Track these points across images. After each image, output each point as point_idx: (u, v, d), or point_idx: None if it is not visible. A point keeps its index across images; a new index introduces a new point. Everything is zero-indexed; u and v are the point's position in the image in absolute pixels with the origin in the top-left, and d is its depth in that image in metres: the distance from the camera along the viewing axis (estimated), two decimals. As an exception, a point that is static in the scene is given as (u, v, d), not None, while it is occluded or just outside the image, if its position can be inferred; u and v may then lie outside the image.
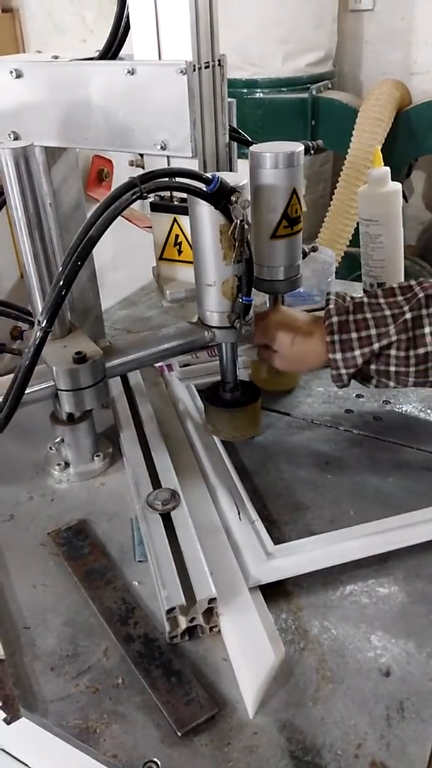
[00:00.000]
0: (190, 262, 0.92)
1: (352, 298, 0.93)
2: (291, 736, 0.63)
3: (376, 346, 0.87)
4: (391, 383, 0.91)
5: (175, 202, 0.96)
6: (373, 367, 0.89)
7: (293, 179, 0.95)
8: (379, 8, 2.92)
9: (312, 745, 0.62)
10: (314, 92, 2.56)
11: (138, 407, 1.02)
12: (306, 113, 2.56)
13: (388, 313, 0.88)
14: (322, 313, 0.92)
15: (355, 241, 2.58)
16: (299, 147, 0.95)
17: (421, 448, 0.99)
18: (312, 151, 1.01)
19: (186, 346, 0.92)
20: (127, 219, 1.25)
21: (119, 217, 0.75)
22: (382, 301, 0.89)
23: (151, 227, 1.23)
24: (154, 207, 0.98)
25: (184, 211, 0.89)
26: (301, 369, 1.07)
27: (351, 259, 2.72)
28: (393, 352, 0.87)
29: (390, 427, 1.04)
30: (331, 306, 0.91)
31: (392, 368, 0.88)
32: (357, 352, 0.88)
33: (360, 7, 2.91)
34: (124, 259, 1.43)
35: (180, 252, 0.99)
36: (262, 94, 2.62)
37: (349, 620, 0.73)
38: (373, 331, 0.87)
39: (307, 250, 1.08)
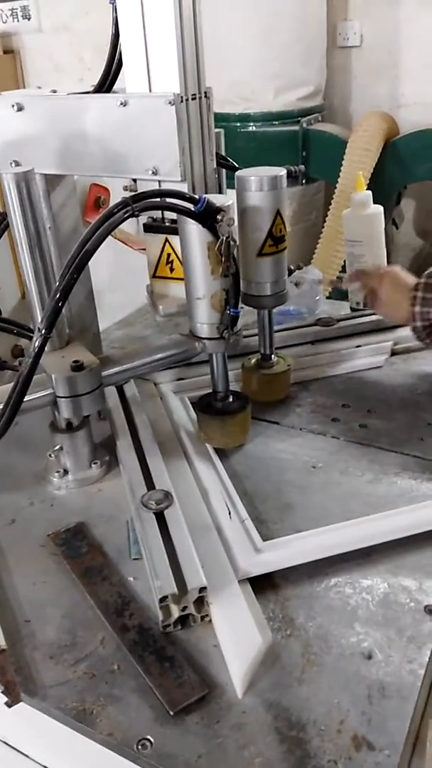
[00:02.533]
0: (182, 279, 0.98)
1: None
2: (277, 714, 0.66)
3: None
4: None
5: (167, 224, 1.02)
6: None
7: (277, 201, 1.01)
8: (366, 44, 3.05)
9: (297, 721, 0.65)
10: (305, 125, 2.66)
11: (134, 417, 1.07)
12: (297, 145, 2.66)
13: None
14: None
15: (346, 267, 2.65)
16: (282, 171, 1.02)
17: (403, 452, 1.03)
18: (293, 175, 1.08)
19: (178, 356, 0.98)
20: (123, 242, 1.31)
21: (117, 242, 0.81)
22: None
23: (144, 249, 1.30)
24: (148, 228, 1.05)
25: (175, 231, 0.96)
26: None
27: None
28: None
29: (374, 434, 1.09)
30: (429, 271, 1.07)
31: None
32: None
33: (348, 43, 3.03)
34: (120, 281, 1.49)
35: (172, 270, 1.05)
36: (254, 127, 2.72)
37: (333, 609, 0.77)
38: None
39: (292, 268, 1.14)
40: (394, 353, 1.32)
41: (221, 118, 2.79)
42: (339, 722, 0.65)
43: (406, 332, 1.37)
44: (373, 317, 1.37)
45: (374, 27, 3.00)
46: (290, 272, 1.12)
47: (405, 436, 1.08)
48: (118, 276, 1.50)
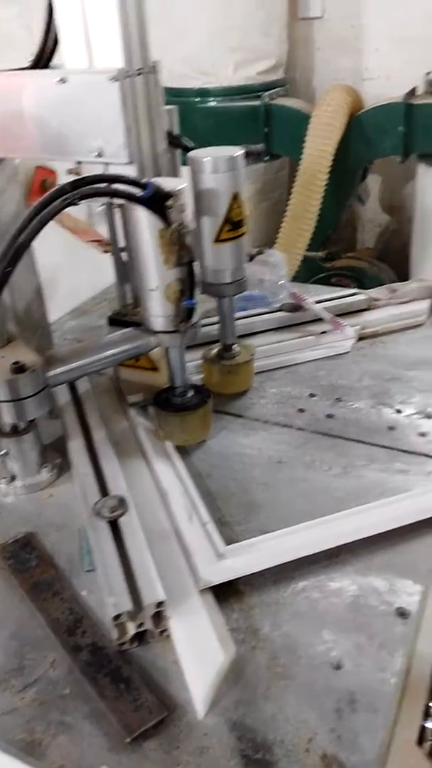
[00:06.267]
0: (150, 369, 1.00)
1: None
2: (242, 734, 0.62)
3: None
4: None
5: (133, 318, 0.97)
6: None
7: (234, 183, 0.96)
8: (328, 16, 2.97)
9: (263, 742, 0.61)
10: (266, 100, 2.58)
11: (87, 415, 1.01)
12: (259, 121, 2.58)
13: None
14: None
15: (312, 244, 2.61)
16: (238, 151, 0.96)
17: (371, 442, 0.99)
18: (253, 154, 1.02)
19: (131, 352, 0.92)
20: (71, 231, 1.24)
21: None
22: None
23: (98, 241, 1.23)
24: (112, 322, 0.99)
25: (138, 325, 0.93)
26: None
27: (310, 263, 2.75)
28: None
29: (341, 424, 1.05)
30: None
31: None
32: None
33: (309, 15, 2.95)
34: (76, 264, 1.43)
35: (137, 360, 1.03)
36: (214, 103, 2.63)
37: (300, 616, 0.73)
38: None
39: (253, 252, 1.09)
40: (361, 338, 1.28)
41: (179, 94, 2.69)
42: (307, 740, 0.61)
43: (373, 316, 1.34)
44: (338, 301, 1.33)
45: (336, -3, 2.93)
46: (251, 258, 1.07)
47: (373, 426, 1.04)
48: (73, 260, 1.43)
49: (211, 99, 2.62)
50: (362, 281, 2.77)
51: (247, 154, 0.96)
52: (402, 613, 0.72)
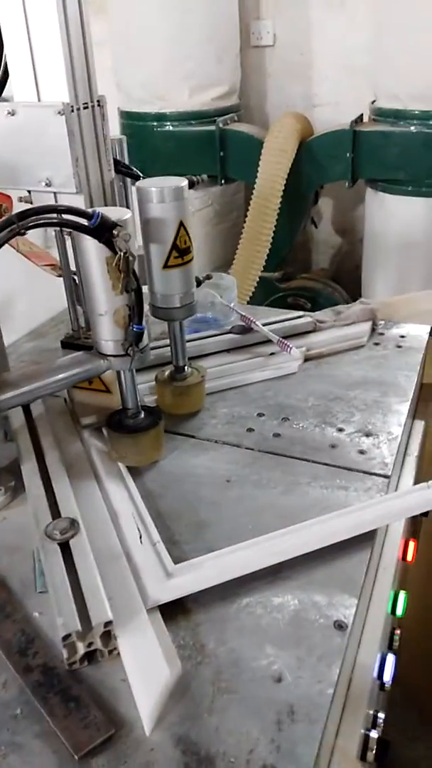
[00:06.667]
0: (102, 390, 1.03)
1: None
2: (186, 748, 0.64)
3: None
4: None
5: (85, 342, 1.00)
6: None
7: (179, 212, 0.99)
8: (279, 44, 3.07)
9: (206, 755, 0.64)
10: (221, 125, 2.65)
11: (41, 438, 1.03)
12: (214, 145, 2.65)
13: None
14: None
15: (268, 266, 2.67)
16: (183, 182, 1.00)
17: (315, 460, 1.03)
18: (196, 185, 1.06)
19: (83, 375, 0.94)
20: (26, 257, 1.26)
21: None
22: None
23: (52, 265, 1.26)
24: (65, 345, 1.02)
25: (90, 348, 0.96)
26: None
27: (267, 284, 2.82)
28: None
29: (288, 443, 1.08)
30: None
31: None
32: None
33: (261, 43, 3.05)
34: (30, 291, 1.44)
35: (90, 382, 1.04)
36: (171, 127, 2.69)
37: (244, 632, 0.76)
38: None
39: (200, 278, 1.12)
40: (307, 359, 1.33)
41: (139, 118, 2.74)
42: (248, 752, 0.64)
43: (318, 338, 1.39)
44: (285, 323, 1.38)
45: (287, 27, 3.03)
46: (199, 282, 1.11)
47: (317, 444, 1.08)
48: (30, 282, 1.45)
49: (168, 123, 2.67)
50: (317, 301, 2.84)
51: (191, 185, 1.00)
52: (340, 626, 0.76)
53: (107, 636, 0.72)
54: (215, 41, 2.68)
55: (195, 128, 2.68)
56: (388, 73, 2.49)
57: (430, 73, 2.34)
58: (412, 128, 2.41)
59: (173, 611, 0.78)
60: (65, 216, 0.81)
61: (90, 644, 0.71)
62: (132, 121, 2.68)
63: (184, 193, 0.98)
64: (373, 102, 2.59)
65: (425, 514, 1.15)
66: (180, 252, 1.01)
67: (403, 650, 1.08)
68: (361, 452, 1.06)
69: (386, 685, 1.00)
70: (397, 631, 1.10)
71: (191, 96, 2.68)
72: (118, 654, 0.73)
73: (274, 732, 0.65)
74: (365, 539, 0.87)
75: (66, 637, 0.70)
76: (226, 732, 0.65)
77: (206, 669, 0.72)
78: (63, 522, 0.84)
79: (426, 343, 1.42)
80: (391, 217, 2.57)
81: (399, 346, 1.39)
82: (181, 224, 0.99)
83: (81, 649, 0.71)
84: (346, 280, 3.08)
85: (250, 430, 1.13)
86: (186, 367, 1.15)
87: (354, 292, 2.89)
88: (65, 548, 0.81)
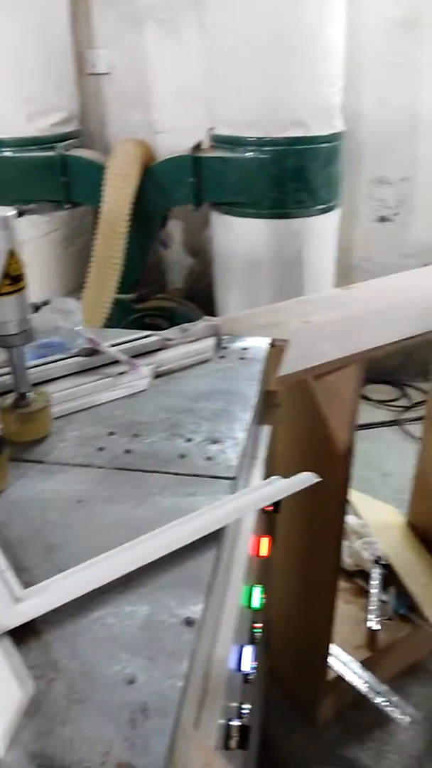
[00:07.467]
0: None
1: None
2: (42, 762, 0.65)
3: None
4: None
5: None
6: None
7: (8, 241, 1.01)
8: (116, 72, 3.15)
9: (61, 765, 0.65)
10: (62, 150, 2.67)
11: None
12: (56, 171, 2.66)
13: None
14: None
15: (123, 288, 2.72)
16: (11, 211, 1.02)
17: (165, 471, 1.08)
18: (26, 213, 1.08)
19: None
20: None
21: None
22: None
23: None
24: None
25: None
26: None
27: (122, 305, 2.86)
28: None
29: (139, 458, 1.12)
30: None
31: None
32: None
33: (97, 71, 3.11)
34: None
35: None
36: (11, 153, 2.67)
37: (97, 643, 0.78)
38: None
39: (38, 304, 1.14)
40: (157, 376, 1.38)
41: (-24, 144, 2.70)
42: (103, 754, 0.66)
43: (166, 355, 1.44)
44: (133, 343, 1.42)
45: (122, 55, 3.11)
46: (36, 308, 1.12)
47: (167, 456, 1.13)
48: None
49: (6, 149, 2.65)
50: (173, 320, 2.93)
51: (20, 214, 1.02)
52: (189, 622, 0.80)
53: None
54: (51, 68, 2.71)
55: (35, 154, 2.68)
56: (222, 101, 2.63)
57: (260, 101, 2.50)
58: (248, 154, 2.56)
59: (24, 634, 0.78)
60: None
61: None
62: (-31, 147, 2.64)
63: (11, 222, 1.00)
64: (211, 129, 2.72)
65: (276, 509, 1.23)
66: (12, 279, 1.02)
67: (277, 645, 1.15)
68: (209, 458, 1.12)
69: (249, 677, 1.06)
70: (257, 624, 1.16)
71: (30, 122, 2.68)
72: (-31, 685, 0.72)
73: (129, 731, 0.68)
74: (211, 539, 0.92)
75: None
76: (81, 740, 0.67)
77: (59, 684, 0.73)
78: None
79: (267, 353, 1.52)
80: (236, 238, 2.71)
81: (242, 358, 1.48)
82: (11, 252, 1.01)
83: None
84: (200, 298, 3.19)
85: (100, 449, 1.15)
86: (30, 393, 1.16)
87: (209, 310, 3.00)
88: None
